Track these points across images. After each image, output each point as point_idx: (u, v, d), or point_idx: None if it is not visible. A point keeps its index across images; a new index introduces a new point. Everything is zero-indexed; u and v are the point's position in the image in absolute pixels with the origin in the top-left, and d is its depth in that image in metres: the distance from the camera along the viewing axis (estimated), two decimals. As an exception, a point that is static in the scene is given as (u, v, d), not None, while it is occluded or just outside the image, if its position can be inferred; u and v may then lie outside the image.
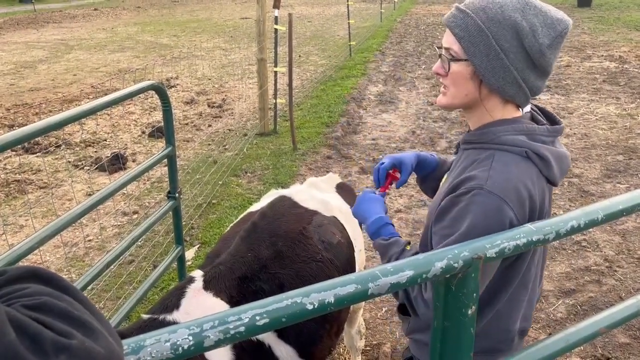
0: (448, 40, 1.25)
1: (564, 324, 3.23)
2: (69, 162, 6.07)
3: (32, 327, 0.51)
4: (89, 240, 4.41)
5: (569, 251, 3.97)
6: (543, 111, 1.37)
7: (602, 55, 10.64)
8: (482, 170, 1.21)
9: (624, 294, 3.47)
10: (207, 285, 1.76)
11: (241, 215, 2.31)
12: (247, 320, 0.79)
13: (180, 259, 2.81)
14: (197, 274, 1.82)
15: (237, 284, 1.79)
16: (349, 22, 12.10)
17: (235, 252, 1.86)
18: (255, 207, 2.29)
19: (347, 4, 12.30)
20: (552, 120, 1.35)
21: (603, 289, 3.53)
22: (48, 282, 0.60)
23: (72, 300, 0.58)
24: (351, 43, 12.23)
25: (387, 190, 1.66)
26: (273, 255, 1.89)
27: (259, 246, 1.89)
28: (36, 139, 6.24)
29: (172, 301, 1.71)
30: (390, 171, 1.60)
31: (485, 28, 1.17)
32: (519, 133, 1.23)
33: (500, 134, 1.24)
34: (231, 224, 2.30)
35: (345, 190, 2.62)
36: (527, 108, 1.36)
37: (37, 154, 6.26)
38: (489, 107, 1.27)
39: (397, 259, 1.37)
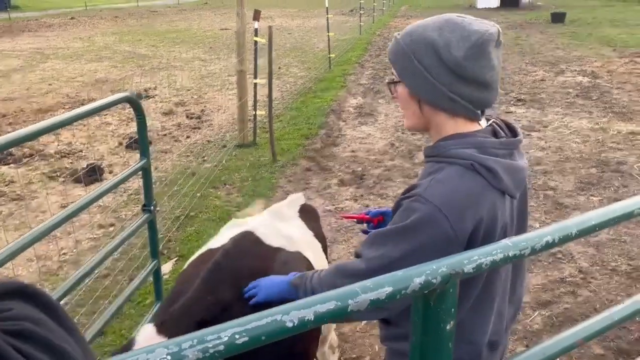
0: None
1: (540, 335, 3.27)
2: (44, 173, 5.96)
3: (10, 356, 0.50)
4: (64, 254, 4.33)
5: (545, 263, 4.03)
6: (507, 124, 1.41)
7: (575, 70, 10.90)
8: (427, 180, 1.27)
9: (598, 305, 3.53)
10: (161, 329, 1.60)
11: (200, 251, 2.16)
12: (226, 338, 0.78)
13: (157, 273, 2.78)
14: (149, 329, 1.63)
15: (195, 328, 1.64)
16: (328, 35, 12.19)
17: (194, 295, 1.72)
18: (216, 241, 2.15)
19: (327, 17, 12.40)
20: (514, 133, 1.39)
21: (578, 300, 3.59)
22: (33, 298, 0.59)
23: (53, 326, 0.57)
24: (331, 55, 12.32)
25: (354, 219, 1.85)
26: (237, 296, 1.76)
27: (220, 287, 1.77)
28: (9, 150, 6.12)
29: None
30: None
31: (409, 50, 1.29)
32: (468, 146, 1.27)
33: (449, 148, 1.29)
34: (188, 261, 2.13)
35: (308, 213, 2.52)
36: (486, 122, 1.39)
37: (10, 165, 6.13)
38: (437, 123, 1.34)
39: (316, 275, 1.47)
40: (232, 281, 1.79)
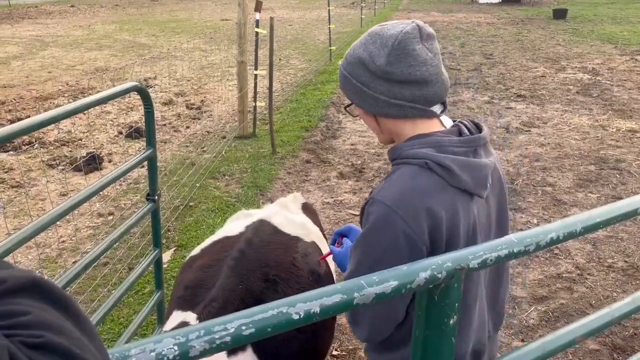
0: None
1: (536, 331, 3.29)
2: (43, 161, 5.95)
3: None
4: (63, 242, 4.33)
5: (542, 259, 4.05)
6: (475, 124, 1.39)
7: (576, 67, 10.89)
8: (382, 183, 1.29)
9: (594, 301, 3.55)
10: (203, 319, 1.61)
11: (212, 239, 2.14)
12: (232, 330, 0.79)
13: (158, 262, 2.79)
14: (190, 317, 1.64)
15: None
16: (329, 27, 12.15)
17: (226, 285, 1.73)
18: (227, 230, 2.14)
19: (328, 9, 12.34)
20: (480, 131, 1.37)
21: (574, 296, 3.61)
22: (47, 294, 0.56)
23: (75, 332, 0.54)
24: (332, 48, 12.28)
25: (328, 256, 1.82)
26: (266, 287, 1.78)
27: (249, 277, 1.78)
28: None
29: None
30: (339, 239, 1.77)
31: (346, 72, 1.35)
32: (425, 146, 1.27)
33: (405, 149, 1.30)
34: (200, 247, 2.11)
35: (310, 211, 2.55)
36: (450, 122, 1.38)
37: (10, 152, 6.12)
38: (396, 131, 1.35)
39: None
40: (260, 271, 1.81)
